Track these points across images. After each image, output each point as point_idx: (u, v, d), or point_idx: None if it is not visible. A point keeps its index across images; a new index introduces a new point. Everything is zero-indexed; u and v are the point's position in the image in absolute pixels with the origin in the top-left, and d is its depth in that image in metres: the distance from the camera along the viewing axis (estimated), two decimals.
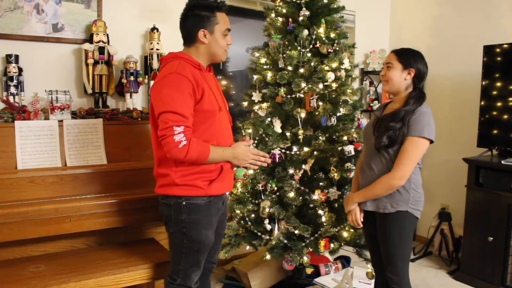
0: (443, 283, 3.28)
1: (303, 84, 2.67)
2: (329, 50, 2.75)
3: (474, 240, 3.17)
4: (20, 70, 2.55)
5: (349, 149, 2.65)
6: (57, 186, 2.31)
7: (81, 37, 2.77)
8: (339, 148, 2.68)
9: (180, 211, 1.86)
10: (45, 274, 2.03)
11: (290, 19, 2.77)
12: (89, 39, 2.72)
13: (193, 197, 1.86)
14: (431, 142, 1.95)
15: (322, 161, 2.71)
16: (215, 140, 1.89)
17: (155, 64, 2.89)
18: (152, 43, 2.89)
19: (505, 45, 3.15)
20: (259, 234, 2.74)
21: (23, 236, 2.06)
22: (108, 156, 2.55)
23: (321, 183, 2.70)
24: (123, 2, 2.92)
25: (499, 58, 3.19)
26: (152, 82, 2.85)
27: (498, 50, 3.19)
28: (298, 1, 2.76)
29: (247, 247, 2.87)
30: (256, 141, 2.75)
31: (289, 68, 2.70)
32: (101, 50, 2.69)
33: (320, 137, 2.68)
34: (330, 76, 2.64)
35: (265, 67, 2.82)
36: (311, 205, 2.71)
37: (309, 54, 2.73)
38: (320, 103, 2.68)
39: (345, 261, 3.43)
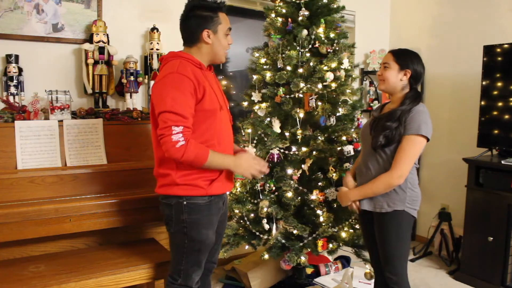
0: (443, 283, 3.28)
1: (302, 84, 2.67)
2: (329, 50, 2.75)
3: (474, 240, 3.17)
4: (20, 70, 2.55)
5: (349, 149, 2.65)
6: (57, 186, 2.31)
7: (81, 37, 2.77)
8: (338, 148, 2.68)
9: (181, 211, 1.86)
10: (45, 274, 2.03)
11: (289, 19, 2.77)
12: (89, 39, 2.73)
13: (194, 196, 1.86)
14: (428, 140, 1.96)
15: (321, 161, 2.72)
16: (216, 139, 1.89)
17: (155, 64, 2.89)
18: (152, 43, 2.89)
19: (505, 45, 3.15)
20: (257, 234, 2.75)
21: (23, 236, 2.06)
22: (108, 156, 2.56)
23: (319, 183, 2.70)
24: (123, 2, 2.92)
25: (499, 58, 3.19)
26: (152, 82, 2.85)
27: (498, 50, 3.19)
28: (298, 1, 2.76)
29: (246, 247, 2.87)
30: (255, 141, 2.75)
31: (288, 68, 2.70)
32: (101, 50, 2.69)
33: (319, 137, 2.68)
34: (329, 76, 2.65)
35: (264, 67, 2.82)
36: (310, 205, 2.71)
37: (308, 54, 2.73)
38: (319, 103, 2.68)
39: (345, 261, 3.43)
